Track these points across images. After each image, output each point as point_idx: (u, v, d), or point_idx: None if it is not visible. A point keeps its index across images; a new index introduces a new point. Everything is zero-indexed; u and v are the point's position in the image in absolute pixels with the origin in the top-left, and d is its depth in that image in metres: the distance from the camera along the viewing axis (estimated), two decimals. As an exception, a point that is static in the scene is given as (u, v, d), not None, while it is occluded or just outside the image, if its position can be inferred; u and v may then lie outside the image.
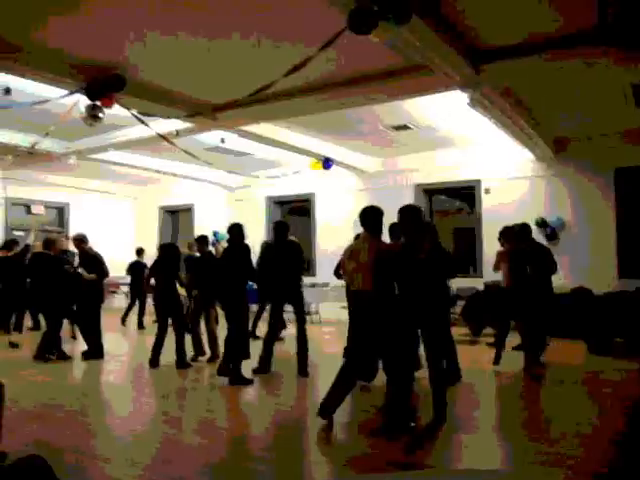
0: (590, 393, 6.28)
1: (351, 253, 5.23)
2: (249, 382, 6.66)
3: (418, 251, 5.12)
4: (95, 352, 8.29)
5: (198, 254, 8.85)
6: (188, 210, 16.83)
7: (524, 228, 7.86)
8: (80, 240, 8.72)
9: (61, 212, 16.35)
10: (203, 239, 8.67)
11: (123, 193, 17.43)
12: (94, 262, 8.53)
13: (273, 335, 7.40)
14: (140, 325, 12.01)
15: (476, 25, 5.85)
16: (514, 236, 7.75)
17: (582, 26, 5.84)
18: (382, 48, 6.02)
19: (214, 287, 7.70)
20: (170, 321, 7.86)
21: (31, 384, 6.67)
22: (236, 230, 7.11)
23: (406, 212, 5.36)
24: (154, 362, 7.68)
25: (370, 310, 4.92)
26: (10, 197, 14.78)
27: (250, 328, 10.23)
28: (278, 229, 7.51)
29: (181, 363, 7.68)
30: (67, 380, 7.26)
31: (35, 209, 15.66)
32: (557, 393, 6.35)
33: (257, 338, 9.39)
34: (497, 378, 7.16)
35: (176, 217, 17.63)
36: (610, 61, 6.30)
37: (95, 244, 14.71)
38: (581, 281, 10.24)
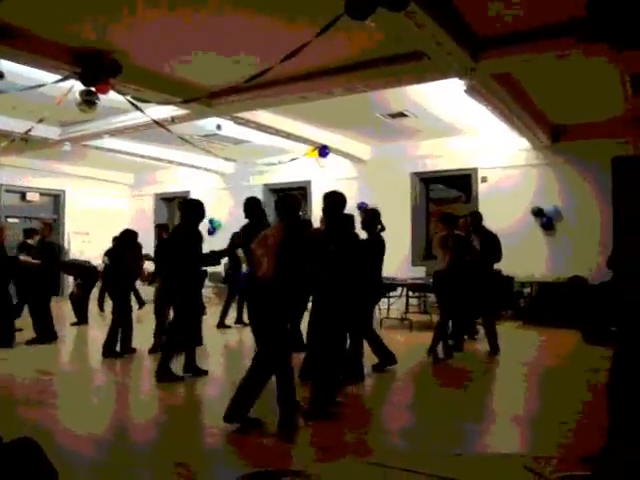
0: (584, 381, 6.30)
1: (261, 239, 5.14)
2: (179, 379, 6.17)
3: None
4: (43, 338, 8.31)
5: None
6: (184, 198, 16.75)
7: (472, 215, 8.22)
8: (45, 227, 8.97)
9: (57, 199, 16.28)
10: (162, 226, 8.79)
11: (119, 180, 17.35)
12: (47, 250, 8.61)
13: None
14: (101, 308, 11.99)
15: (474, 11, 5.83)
16: (449, 222, 7.72)
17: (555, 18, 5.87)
18: (379, 34, 5.98)
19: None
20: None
21: None
22: (186, 208, 6.69)
23: (325, 198, 5.55)
24: (124, 349, 7.58)
25: (268, 297, 4.63)
26: (4, 184, 14.70)
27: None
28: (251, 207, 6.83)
29: (107, 351, 7.46)
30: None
31: (30, 196, 15.58)
32: (549, 381, 6.38)
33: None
34: (488, 366, 7.20)
35: (172, 204, 17.57)
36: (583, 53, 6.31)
37: (91, 231, 14.76)
38: (577, 270, 10.27)
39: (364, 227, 6.56)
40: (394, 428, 4.72)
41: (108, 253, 9.60)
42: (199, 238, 6.50)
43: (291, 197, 5.04)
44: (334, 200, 5.51)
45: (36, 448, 1.57)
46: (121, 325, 7.58)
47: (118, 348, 7.55)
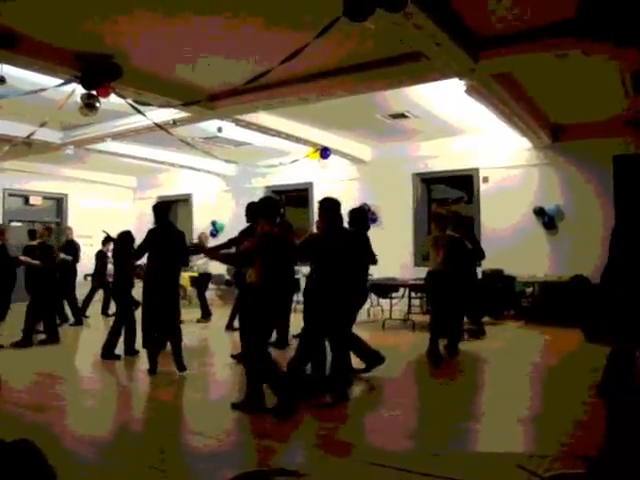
0: (585, 380, 6.28)
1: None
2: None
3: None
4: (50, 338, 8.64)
5: None
6: (186, 200, 16.80)
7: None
8: (45, 231, 9.15)
9: (59, 203, 16.32)
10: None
11: (121, 184, 17.38)
12: (46, 252, 8.82)
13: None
14: (105, 313, 12.01)
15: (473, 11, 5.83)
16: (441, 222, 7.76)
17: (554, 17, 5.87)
18: (379, 35, 5.99)
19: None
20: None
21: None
22: (160, 210, 6.90)
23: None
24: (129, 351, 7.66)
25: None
26: (7, 188, 14.75)
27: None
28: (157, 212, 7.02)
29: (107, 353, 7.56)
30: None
31: (33, 200, 15.62)
32: (551, 380, 6.38)
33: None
34: (489, 365, 7.20)
35: (174, 207, 17.58)
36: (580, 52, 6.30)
37: (94, 235, 14.74)
38: (579, 269, 10.26)
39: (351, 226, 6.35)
40: (393, 428, 4.72)
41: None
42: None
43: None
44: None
45: (34, 450, 1.58)
46: (124, 326, 7.67)
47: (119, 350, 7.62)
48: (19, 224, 14.56)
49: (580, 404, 5.20)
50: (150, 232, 6.77)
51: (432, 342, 7.11)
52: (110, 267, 12.16)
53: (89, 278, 14.22)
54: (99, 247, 12.15)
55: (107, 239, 12.41)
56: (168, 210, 7.09)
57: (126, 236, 7.97)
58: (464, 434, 4.48)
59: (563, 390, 5.84)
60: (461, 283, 7.40)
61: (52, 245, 9.05)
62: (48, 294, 8.69)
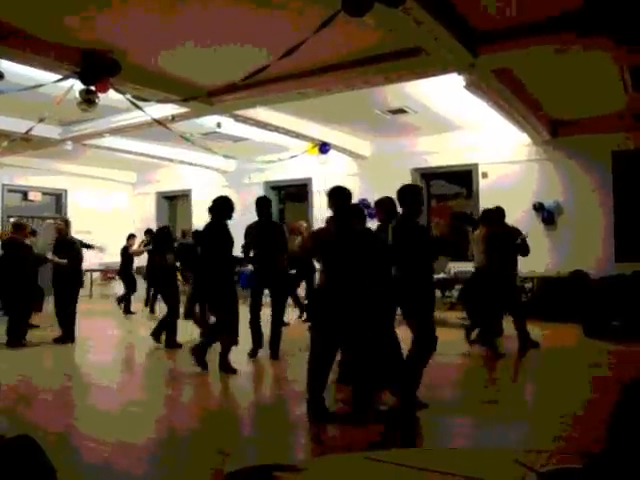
0: (585, 375, 6.31)
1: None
2: (234, 371, 6.33)
3: None
4: (66, 337, 8.39)
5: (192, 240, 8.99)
6: (185, 196, 16.79)
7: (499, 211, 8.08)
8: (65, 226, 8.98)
9: (58, 199, 16.31)
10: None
11: (121, 179, 17.37)
12: (69, 248, 8.63)
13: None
14: (128, 310, 12.04)
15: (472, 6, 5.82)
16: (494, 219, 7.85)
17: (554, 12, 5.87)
18: (377, 31, 5.98)
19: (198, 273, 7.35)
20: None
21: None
22: (219, 206, 6.59)
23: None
24: (157, 337, 7.85)
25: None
26: (6, 184, 14.74)
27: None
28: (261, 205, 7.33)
29: (170, 343, 7.81)
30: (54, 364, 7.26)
31: (32, 196, 15.61)
32: (550, 375, 6.39)
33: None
34: (483, 359, 7.22)
35: (174, 203, 17.59)
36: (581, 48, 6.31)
37: (93, 230, 14.78)
38: (578, 265, 10.26)
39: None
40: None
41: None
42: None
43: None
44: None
45: (34, 445, 1.58)
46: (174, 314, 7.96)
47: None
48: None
49: (578, 399, 5.21)
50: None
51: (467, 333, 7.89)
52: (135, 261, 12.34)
53: (88, 274, 14.30)
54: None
55: (132, 236, 12.56)
56: (220, 208, 6.64)
57: (165, 232, 8.15)
58: (461, 429, 4.49)
59: (561, 385, 5.85)
60: (505, 279, 7.52)
61: (75, 241, 8.90)
62: (71, 292, 8.63)
